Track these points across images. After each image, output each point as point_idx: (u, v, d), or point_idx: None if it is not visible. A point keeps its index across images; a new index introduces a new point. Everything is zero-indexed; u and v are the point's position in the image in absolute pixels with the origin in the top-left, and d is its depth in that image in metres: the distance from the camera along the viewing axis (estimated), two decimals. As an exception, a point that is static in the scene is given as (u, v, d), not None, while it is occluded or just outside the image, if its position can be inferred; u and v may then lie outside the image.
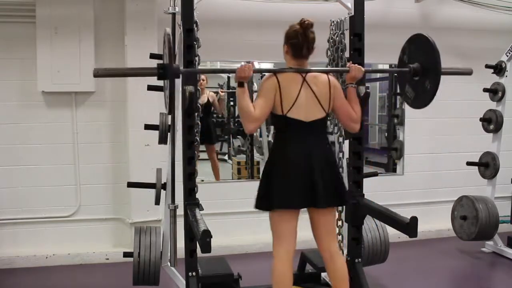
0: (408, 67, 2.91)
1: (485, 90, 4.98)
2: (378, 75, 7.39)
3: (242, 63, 2.70)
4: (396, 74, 3.07)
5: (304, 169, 2.71)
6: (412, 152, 5.61)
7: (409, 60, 2.93)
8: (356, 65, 2.93)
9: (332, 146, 3.29)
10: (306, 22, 2.75)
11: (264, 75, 2.98)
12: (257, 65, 5.20)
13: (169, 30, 2.86)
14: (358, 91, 3.14)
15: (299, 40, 2.75)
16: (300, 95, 2.74)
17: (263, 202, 2.77)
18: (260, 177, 2.86)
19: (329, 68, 2.96)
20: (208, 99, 5.99)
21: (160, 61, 3.22)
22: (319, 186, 2.70)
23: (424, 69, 2.85)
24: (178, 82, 3.06)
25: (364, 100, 3.22)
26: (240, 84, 2.70)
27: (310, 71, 2.82)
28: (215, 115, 6.29)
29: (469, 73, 3.15)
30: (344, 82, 3.40)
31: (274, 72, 2.82)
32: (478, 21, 5.48)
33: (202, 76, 5.69)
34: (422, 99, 2.88)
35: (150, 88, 3.35)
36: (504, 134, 4.91)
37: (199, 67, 3.06)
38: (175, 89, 2.84)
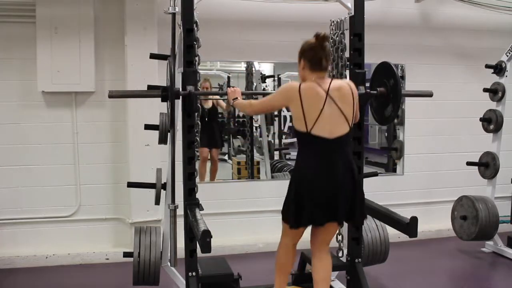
0: (376, 90, 3.21)
1: (485, 90, 4.98)
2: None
3: (230, 88, 3.11)
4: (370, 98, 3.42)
5: (329, 189, 2.72)
6: (412, 152, 5.61)
7: (378, 85, 3.25)
8: None
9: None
10: (322, 34, 2.74)
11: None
12: (257, 66, 5.20)
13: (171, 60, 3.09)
14: (358, 91, 3.18)
15: (317, 52, 2.75)
16: (324, 110, 2.70)
17: (290, 219, 2.79)
18: (287, 189, 2.84)
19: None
20: (213, 103, 5.86)
21: (160, 61, 3.41)
22: (341, 205, 2.74)
23: (389, 91, 3.17)
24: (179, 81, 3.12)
25: (364, 100, 3.24)
26: (235, 99, 3.06)
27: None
28: (220, 115, 6.19)
29: (429, 95, 3.42)
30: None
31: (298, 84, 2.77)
32: (478, 21, 5.49)
33: (206, 84, 5.65)
34: (389, 115, 3.22)
35: (150, 88, 3.35)
36: (504, 134, 4.90)
37: (199, 67, 3.10)
38: (175, 109, 3.06)
